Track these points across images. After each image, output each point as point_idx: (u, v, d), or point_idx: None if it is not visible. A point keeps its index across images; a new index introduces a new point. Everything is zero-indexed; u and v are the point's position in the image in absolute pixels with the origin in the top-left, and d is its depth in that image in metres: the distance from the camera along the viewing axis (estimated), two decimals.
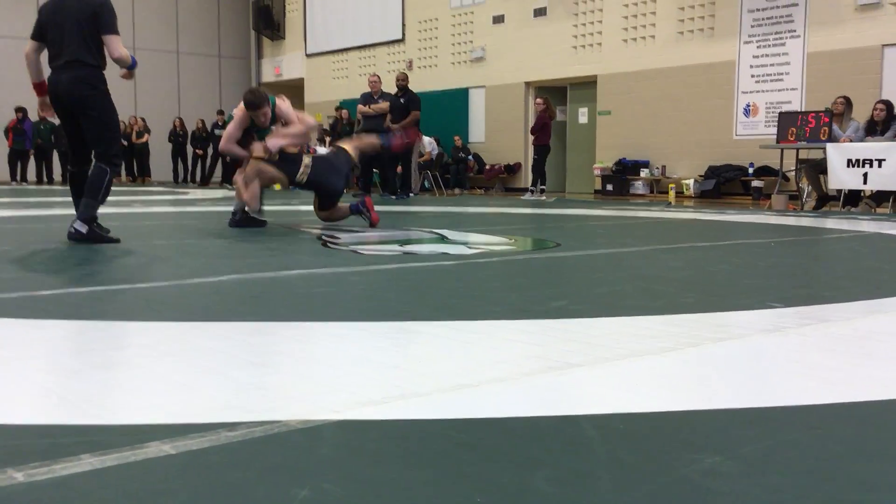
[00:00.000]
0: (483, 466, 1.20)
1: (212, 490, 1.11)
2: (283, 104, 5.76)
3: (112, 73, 4.66)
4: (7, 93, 18.45)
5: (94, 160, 4.62)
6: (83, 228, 4.47)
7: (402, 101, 11.81)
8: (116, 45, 4.59)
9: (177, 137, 19.25)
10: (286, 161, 5.62)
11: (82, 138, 4.68)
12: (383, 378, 1.70)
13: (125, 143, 18.74)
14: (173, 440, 1.29)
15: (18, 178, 17.63)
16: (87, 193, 4.54)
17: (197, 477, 1.16)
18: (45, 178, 18.04)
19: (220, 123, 19.18)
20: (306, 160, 5.68)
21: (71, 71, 4.52)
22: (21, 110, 17.40)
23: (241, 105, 5.67)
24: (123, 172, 19.02)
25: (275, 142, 5.55)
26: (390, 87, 12.95)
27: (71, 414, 1.44)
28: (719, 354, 1.98)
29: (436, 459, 1.24)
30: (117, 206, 8.39)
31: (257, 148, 5.55)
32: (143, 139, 18.81)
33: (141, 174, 19.10)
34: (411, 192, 12.20)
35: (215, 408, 1.48)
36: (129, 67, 4.68)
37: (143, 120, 19.10)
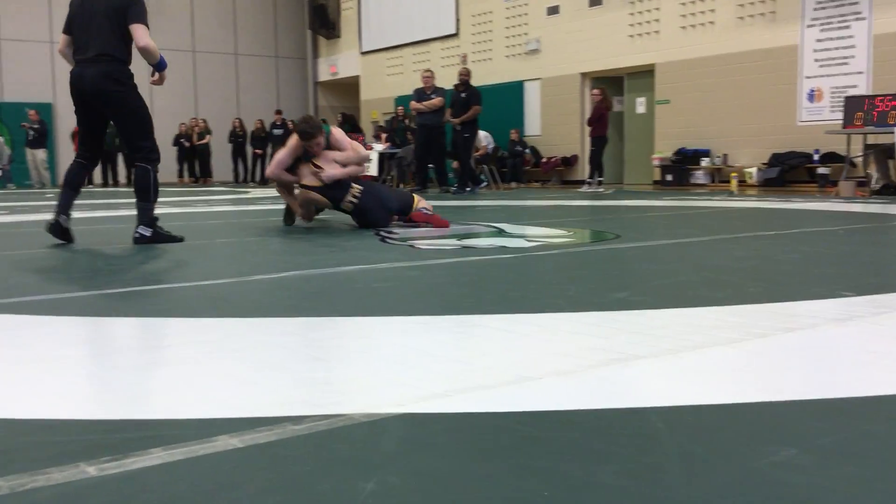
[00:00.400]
0: (549, 460, 1.19)
1: (279, 483, 1.12)
2: (338, 133, 5.67)
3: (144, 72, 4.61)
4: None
5: (134, 162, 4.62)
6: (147, 232, 4.51)
7: (463, 95, 11.78)
8: (143, 35, 4.47)
9: (236, 138, 19.58)
10: (334, 186, 5.44)
11: (95, 132, 4.68)
12: (446, 371, 1.70)
13: (187, 143, 19.14)
14: (240, 434, 1.31)
15: (85, 181, 18.14)
16: (139, 196, 4.55)
17: (264, 470, 1.17)
18: (110, 181, 18.49)
19: (277, 123, 19.46)
20: (355, 189, 5.47)
21: (98, 66, 4.46)
22: None
23: (295, 136, 5.49)
24: (186, 173, 19.44)
25: (331, 174, 5.39)
26: (444, 82, 12.97)
27: (140, 409, 1.46)
28: (789, 345, 1.92)
29: (501, 453, 1.23)
30: (181, 207, 8.57)
31: (308, 175, 5.42)
32: (205, 140, 19.17)
33: (203, 175, 19.47)
34: (474, 186, 12.11)
35: (280, 402, 1.49)
36: (158, 66, 4.61)
37: (204, 122, 19.46)
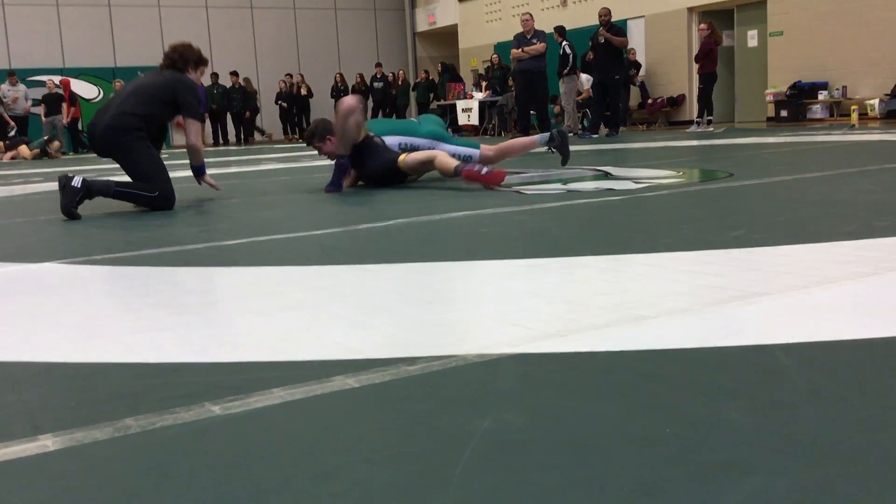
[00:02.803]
0: (670, 397, 1.15)
1: (396, 421, 1.13)
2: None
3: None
4: None
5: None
6: (77, 182, 4.08)
7: (602, 40, 11.50)
8: (196, 133, 4.45)
9: (338, 92, 19.78)
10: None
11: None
12: (557, 312, 1.67)
13: (284, 104, 19.45)
14: (356, 374, 1.32)
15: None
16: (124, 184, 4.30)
17: (381, 408, 1.18)
18: (220, 140, 19.04)
19: (377, 76, 19.56)
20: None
21: (110, 117, 4.29)
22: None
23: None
24: (289, 130, 19.81)
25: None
26: (543, 25, 12.71)
27: (260, 352, 1.50)
28: None
29: (619, 390, 1.19)
30: (284, 162, 8.75)
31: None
32: (302, 92, 19.38)
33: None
34: (612, 130, 11.85)
35: (393, 344, 1.50)
36: (198, 170, 4.62)
37: (301, 76, 19.68)
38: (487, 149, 5.20)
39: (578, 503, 0.85)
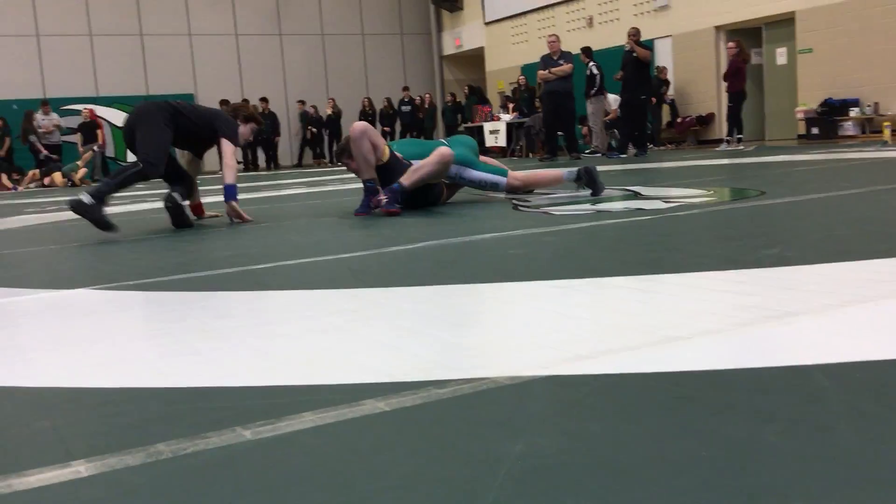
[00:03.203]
0: (706, 420, 1.13)
1: (427, 444, 1.11)
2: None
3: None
4: (212, 89, 19.87)
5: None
6: (87, 199, 4.32)
7: (633, 54, 11.49)
8: (230, 153, 4.85)
9: (366, 116, 19.93)
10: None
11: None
12: (589, 333, 1.65)
13: (314, 129, 19.66)
14: (386, 398, 1.31)
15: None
16: (111, 175, 4.70)
17: (412, 432, 1.17)
18: (249, 166, 19.23)
19: (406, 100, 19.69)
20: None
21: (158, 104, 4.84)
22: (225, 103, 18.61)
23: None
24: (319, 154, 19.98)
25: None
26: (569, 46, 12.73)
27: (291, 376, 1.50)
28: None
29: (655, 413, 1.17)
30: (315, 186, 8.81)
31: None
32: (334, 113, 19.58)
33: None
34: (640, 150, 11.81)
35: (423, 367, 1.49)
36: (228, 192, 4.84)
37: (332, 100, 19.88)
38: (515, 177, 5.18)
39: None
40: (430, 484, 0.98)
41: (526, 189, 5.28)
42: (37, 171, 15.25)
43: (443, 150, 4.67)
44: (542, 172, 5.45)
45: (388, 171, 4.79)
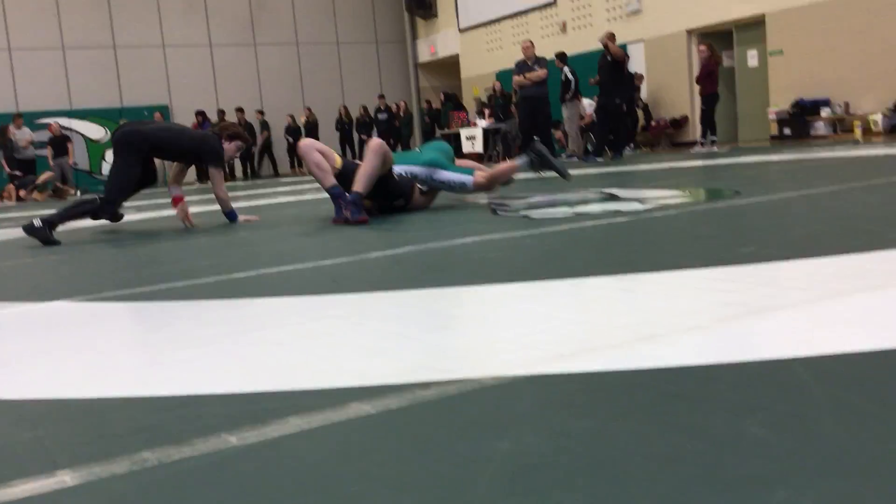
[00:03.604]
0: (692, 415, 1.14)
1: (414, 445, 1.12)
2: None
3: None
4: (187, 100, 19.77)
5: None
6: (37, 223, 4.85)
7: (609, 59, 11.55)
8: (220, 183, 5.28)
9: (343, 125, 19.92)
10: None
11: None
12: (572, 333, 1.66)
13: (290, 139, 19.58)
14: (372, 400, 1.32)
15: (203, 178, 18.79)
16: (73, 204, 5.17)
17: (398, 434, 1.17)
18: (227, 176, 19.13)
19: (381, 108, 19.69)
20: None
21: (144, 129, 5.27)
22: (200, 114, 18.53)
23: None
24: (296, 163, 19.94)
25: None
26: (543, 52, 12.79)
27: (276, 381, 1.49)
28: None
29: (640, 409, 1.18)
30: (297, 195, 8.78)
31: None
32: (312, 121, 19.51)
33: None
34: (615, 153, 11.88)
35: (408, 369, 1.49)
36: (229, 216, 5.26)
37: (308, 109, 19.82)
38: (480, 176, 5.25)
39: None
40: (417, 484, 0.98)
41: (492, 184, 5.33)
42: (11, 185, 15.10)
43: (373, 143, 4.77)
44: (501, 166, 5.47)
45: (344, 177, 4.84)
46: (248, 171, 19.37)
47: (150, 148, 5.19)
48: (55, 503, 1.02)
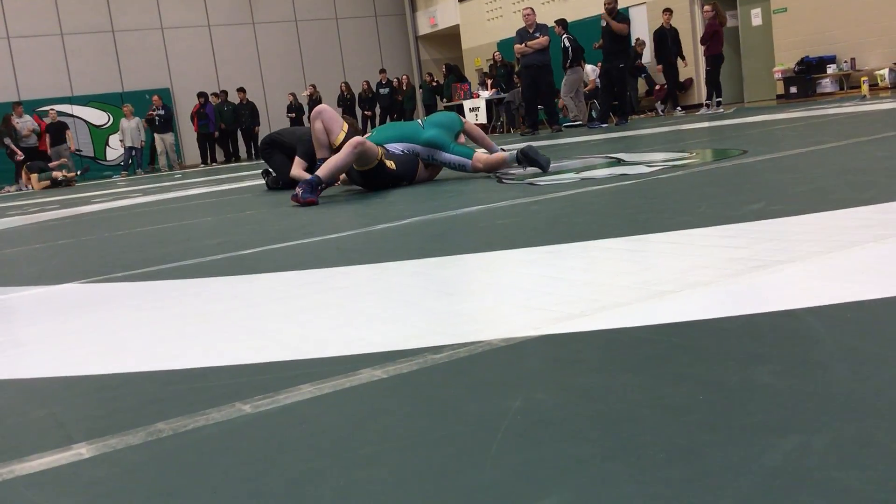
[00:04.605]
0: (701, 366, 1.14)
1: (426, 407, 1.12)
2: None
3: None
4: (189, 81, 19.70)
5: None
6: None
7: (603, 24, 11.45)
8: (296, 166, 5.63)
9: (345, 101, 19.84)
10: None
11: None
12: (580, 294, 1.66)
13: (292, 115, 19.46)
14: (383, 366, 1.32)
15: (208, 160, 18.80)
16: None
17: (410, 396, 1.18)
18: (231, 158, 19.12)
19: (383, 82, 19.59)
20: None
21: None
22: (202, 95, 18.46)
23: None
24: None
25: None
26: (545, 19, 12.68)
27: (287, 352, 1.50)
28: None
29: (648, 363, 1.18)
30: None
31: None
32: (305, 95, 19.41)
33: None
34: (620, 119, 11.84)
35: (418, 335, 1.49)
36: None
37: (313, 86, 19.70)
38: (478, 159, 5.21)
39: (615, 472, 0.84)
40: (430, 443, 0.99)
41: (488, 170, 5.27)
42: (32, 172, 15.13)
43: (353, 140, 4.66)
44: (496, 155, 5.37)
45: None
46: (251, 151, 19.32)
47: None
48: (72, 475, 1.03)
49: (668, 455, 0.87)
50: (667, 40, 12.63)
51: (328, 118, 5.08)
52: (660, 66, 12.83)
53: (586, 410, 1.03)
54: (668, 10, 12.92)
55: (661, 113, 12.52)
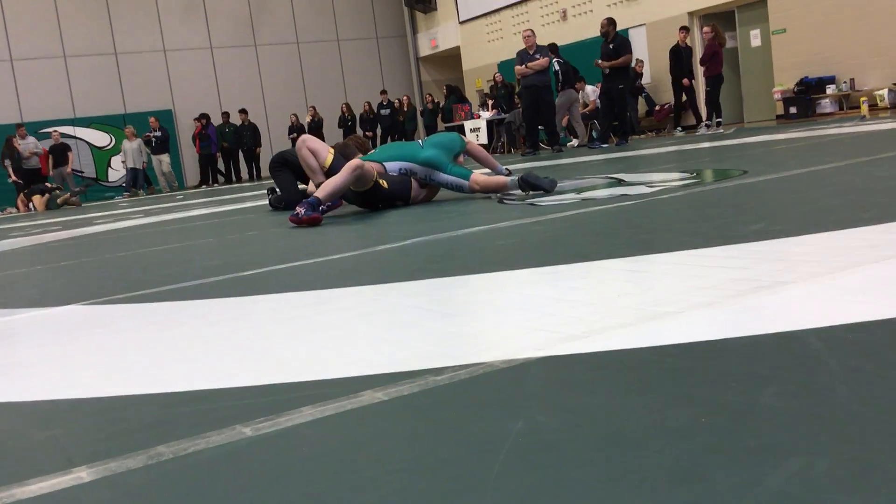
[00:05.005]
0: (704, 388, 1.14)
1: (428, 429, 1.12)
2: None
3: None
4: (190, 103, 19.79)
5: None
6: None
7: (611, 46, 11.50)
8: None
9: (346, 122, 19.91)
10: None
11: None
12: (581, 315, 1.65)
13: (293, 135, 19.52)
14: (384, 388, 1.32)
15: (210, 181, 18.83)
16: None
17: (411, 419, 1.17)
18: (233, 178, 19.15)
19: (384, 103, 19.67)
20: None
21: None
22: (204, 117, 18.54)
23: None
24: None
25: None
26: (544, 41, 12.75)
27: (289, 374, 1.50)
28: None
29: (652, 385, 1.18)
30: None
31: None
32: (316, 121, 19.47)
33: None
34: (620, 139, 11.85)
35: (419, 356, 1.49)
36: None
37: (313, 108, 19.76)
38: (476, 182, 5.22)
39: (618, 496, 0.84)
40: (433, 466, 0.98)
41: (486, 192, 5.27)
42: (36, 195, 15.16)
43: (351, 163, 4.71)
44: (494, 178, 5.37)
45: (332, 174, 4.87)
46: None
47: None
48: (72, 499, 1.03)
49: (671, 478, 0.86)
50: (681, 57, 12.62)
51: (312, 144, 5.22)
52: (686, 80, 12.72)
53: (589, 433, 1.02)
54: (684, 28, 12.91)
55: (704, 126, 12.31)
